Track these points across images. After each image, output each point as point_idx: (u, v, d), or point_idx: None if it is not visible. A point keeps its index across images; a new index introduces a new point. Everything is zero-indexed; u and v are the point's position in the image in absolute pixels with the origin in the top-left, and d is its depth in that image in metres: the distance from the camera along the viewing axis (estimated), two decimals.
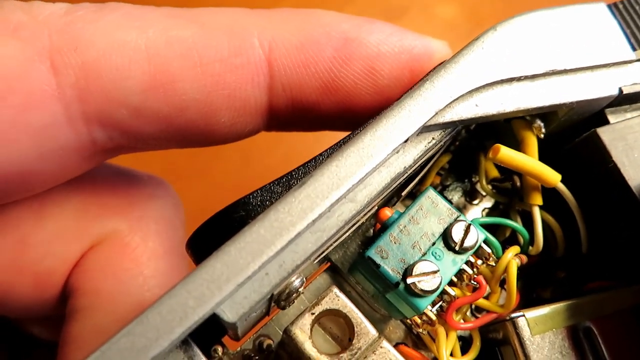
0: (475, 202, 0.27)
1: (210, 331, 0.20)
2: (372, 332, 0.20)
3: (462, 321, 0.23)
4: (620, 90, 0.22)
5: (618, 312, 0.22)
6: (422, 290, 0.20)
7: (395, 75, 0.22)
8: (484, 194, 0.27)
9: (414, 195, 0.27)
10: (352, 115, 0.23)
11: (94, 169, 0.23)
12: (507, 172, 0.26)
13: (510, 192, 0.26)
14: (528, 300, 0.25)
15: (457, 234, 0.21)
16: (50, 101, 0.19)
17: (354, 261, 0.23)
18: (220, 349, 0.22)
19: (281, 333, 0.23)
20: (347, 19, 0.22)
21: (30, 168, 0.20)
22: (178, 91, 0.20)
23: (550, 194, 0.24)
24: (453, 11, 0.59)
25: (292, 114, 0.23)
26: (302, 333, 0.19)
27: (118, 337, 0.16)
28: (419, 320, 0.22)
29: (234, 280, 0.17)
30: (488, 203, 0.28)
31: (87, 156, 0.21)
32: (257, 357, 0.22)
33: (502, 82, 0.21)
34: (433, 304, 0.22)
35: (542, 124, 0.23)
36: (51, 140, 0.19)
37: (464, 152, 0.26)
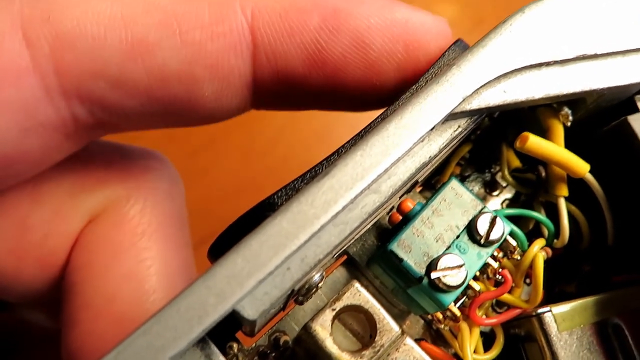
0: (495, 193, 0.26)
1: (224, 327, 0.19)
2: (395, 328, 0.19)
3: (484, 317, 0.22)
4: None
5: None
6: (446, 285, 0.19)
7: (387, 49, 0.21)
8: (504, 184, 0.26)
9: (432, 186, 0.26)
10: (343, 92, 0.22)
11: (86, 146, 0.22)
12: (530, 162, 0.25)
13: (532, 183, 0.25)
14: (551, 295, 0.24)
15: (482, 226, 0.20)
16: (25, 75, 0.18)
17: (373, 254, 0.23)
18: (235, 346, 0.21)
19: (297, 329, 0.22)
20: None
21: (13, 149, 0.19)
22: (158, 61, 0.19)
23: (573, 185, 0.23)
24: (453, 11, 0.58)
25: (278, 87, 0.22)
26: (323, 330, 0.19)
27: (134, 337, 0.15)
28: (441, 316, 0.21)
29: (256, 276, 0.16)
30: (508, 194, 0.27)
31: (70, 134, 0.20)
32: (273, 354, 0.21)
33: (530, 67, 0.20)
34: (455, 300, 0.21)
35: (569, 112, 0.22)
36: (30, 116, 0.18)
37: (485, 142, 0.26)
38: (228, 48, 0.20)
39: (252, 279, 0.16)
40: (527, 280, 0.24)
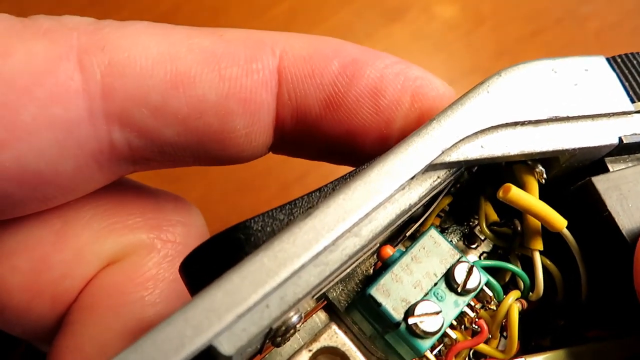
0: (474, 246, 0.27)
1: None
2: None
3: None
4: (620, 140, 0.22)
5: None
6: (423, 331, 0.20)
7: (397, 98, 0.23)
8: (482, 238, 0.27)
9: (413, 237, 0.27)
10: (353, 139, 0.24)
11: (117, 185, 0.23)
12: (507, 216, 0.26)
13: (509, 237, 0.26)
14: (527, 348, 0.24)
15: (459, 275, 0.21)
16: (74, 96, 0.19)
17: (352, 300, 0.23)
18: None
19: None
20: (357, 45, 0.24)
21: (47, 167, 0.20)
22: (197, 92, 0.21)
23: (547, 240, 0.24)
24: (453, 11, 0.59)
25: (295, 128, 0.23)
26: None
27: None
28: None
29: (235, 311, 0.16)
30: (486, 248, 0.27)
31: (104, 162, 0.21)
32: None
33: (506, 125, 0.21)
34: (432, 348, 0.21)
35: (543, 170, 0.23)
36: (71, 135, 0.19)
37: (465, 195, 0.27)
38: (260, 84, 0.22)
39: (230, 313, 0.16)
40: (505, 334, 0.25)
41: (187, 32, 0.22)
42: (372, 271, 0.24)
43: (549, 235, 0.24)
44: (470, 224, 0.27)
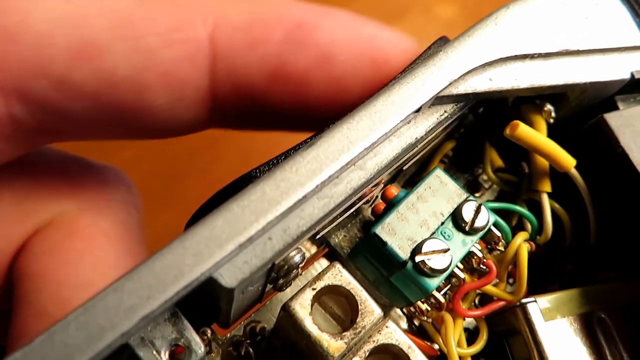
0: (478, 194, 0.26)
1: (199, 313, 0.18)
2: (377, 310, 0.18)
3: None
4: (632, 75, 0.21)
5: (630, 303, 0.21)
6: (431, 268, 0.19)
7: (353, 64, 0.21)
8: (486, 186, 0.26)
9: (415, 184, 0.26)
10: (306, 110, 0.21)
11: (35, 155, 0.21)
12: (512, 162, 0.25)
13: (515, 184, 0.25)
14: (535, 293, 0.23)
15: (467, 213, 0.20)
16: None
17: (355, 245, 0.22)
18: (209, 332, 0.20)
19: (274, 319, 0.21)
20: (301, 4, 0.21)
21: None
22: (107, 64, 0.18)
23: (555, 184, 0.23)
24: (453, 11, 0.59)
25: (238, 104, 0.21)
26: (302, 309, 0.18)
27: (104, 293, 0.14)
28: (424, 307, 0.21)
29: (236, 240, 0.15)
30: (490, 196, 0.27)
31: (9, 135, 0.19)
32: (248, 342, 0.20)
33: (515, 58, 0.20)
34: (439, 289, 0.21)
35: (552, 108, 0.22)
36: None
37: (468, 141, 0.26)
38: (184, 57, 0.19)
39: (231, 242, 0.15)
40: (510, 280, 0.24)
41: None
42: (373, 218, 0.23)
43: (557, 181, 0.23)
44: (475, 172, 0.27)
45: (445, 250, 0.19)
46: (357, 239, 0.22)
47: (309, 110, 0.21)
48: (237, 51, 0.20)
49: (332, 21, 0.21)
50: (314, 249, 0.22)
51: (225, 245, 0.15)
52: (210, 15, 0.20)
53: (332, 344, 0.18)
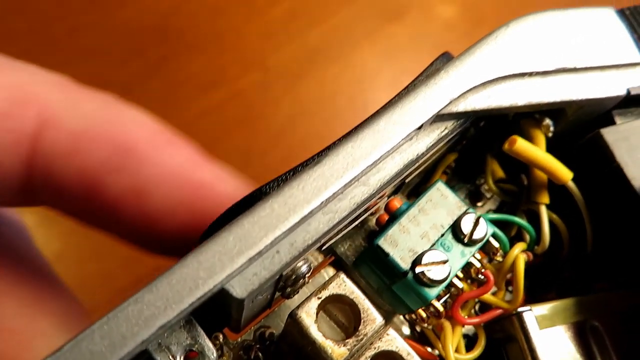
0: (480, 204, 0.27)
1: (212, 317, 0.19)
2: (379, 319, 0.19)
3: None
4: (628, 91, 0.22)
5: (624, 313, 0.22)
6: (430, 279, 0.20)
7: (169, 209, 0.20)
8: (488, 196, 0.27)
9: (419, 193, 0.27)
10: (118, 230, 0.21)
11: None
12: (513, 173, 0.26)
13: (515, 194, 0.26)
14: (533, 301, 0.24)
15: (466, 225, 0.21)
16: None
17: (360, 253, 0.23)
18: (221, 337, 0.21)
19: (283, 325, 0.22)
20: (149, 124, 0.20)
21: None
22: None
23: (553, 195, 0.24)
24: (453, 11, 0.59)
25: (55, 201, 0.21)
26: (308, 317, 0.19)
27: (125, 304, 0.15)
28: (424, 315, 0.22)
29: (246, 254, 0.16)
30: (492, 206, 0.27)
31: None
32: (257, 346, 0.21)
33: (514, 76, 0.21)
34: (439, 298, 0.22)
35: (551, 123, 0.23)
36: None
37: (471, 153, 0.27)
38: (4, 144, 0.19)
39: (242, 256, 0.16)
40: (510, 288, 0.25)
41: None
42: (377, 227, 0.24)
43: (555, 192, 0.24)
44: (477, 182, 0.28)
45: (445, 262, 0.20)
46: (362, 248, 0.24)
47: (121, 232, 0.21)
48: (58, 155, 0.20)
49: (163, 157, 0.20)
50: (321, 258, 0.23)
51: (236, 259, 0.16)
52: (45, 112, 0.19)
53: (336, 350, 0.19)
